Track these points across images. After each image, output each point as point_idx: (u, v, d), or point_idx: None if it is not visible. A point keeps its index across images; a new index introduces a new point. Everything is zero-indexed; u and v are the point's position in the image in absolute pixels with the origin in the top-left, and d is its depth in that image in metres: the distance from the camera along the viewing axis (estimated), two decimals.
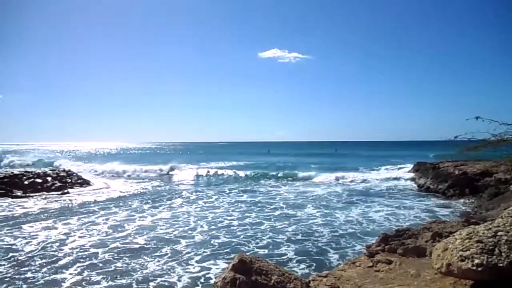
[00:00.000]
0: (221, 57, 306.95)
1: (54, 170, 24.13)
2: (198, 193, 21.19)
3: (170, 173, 32.83)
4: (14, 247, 10.27)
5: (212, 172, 32.13)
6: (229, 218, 14.29)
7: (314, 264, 8.93)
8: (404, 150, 71.22)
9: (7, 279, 7.91)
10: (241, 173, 30.87)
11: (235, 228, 12.70)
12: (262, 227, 12.77)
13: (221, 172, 32.31)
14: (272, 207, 16.73)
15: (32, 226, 12.81)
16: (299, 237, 11.44)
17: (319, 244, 10.61)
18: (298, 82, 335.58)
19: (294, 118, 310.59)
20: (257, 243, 10.90)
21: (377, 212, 15.17)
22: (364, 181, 25.93)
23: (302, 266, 8.85)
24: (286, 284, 4.01)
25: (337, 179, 26.74)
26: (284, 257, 9.54)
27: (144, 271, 8.39)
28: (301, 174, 29.44)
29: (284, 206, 16.98)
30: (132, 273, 8.29)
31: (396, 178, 26.18)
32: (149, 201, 18.41)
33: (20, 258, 9.33)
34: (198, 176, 30.90)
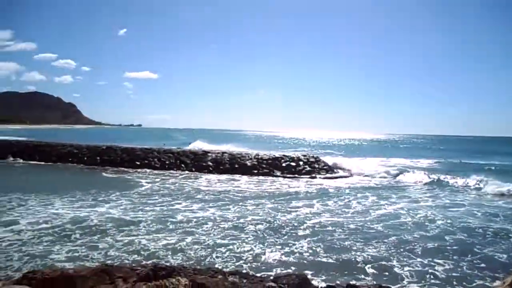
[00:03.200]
0: None
1: (306, 156, 27.12)
2: (435, 190, 20.04)
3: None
4: (282, 218, 12.50)
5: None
6: (470, 218, 13.13)
7: None
8: None
9: (262, 236, 10.02)
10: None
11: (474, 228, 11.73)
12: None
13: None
14: None
15: (297, 202, 15.31)
16: None
17: None
18: None
19: None
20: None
21: None
22: None
23: None
24: None
25: None
26: None
27: (367, 254, 8.93)
28: None
29: None
30: (356, 253, 8.97)
31: None
32: (393, 192, 18.61)
33: (278, 223, 11.63)
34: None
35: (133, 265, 5.52)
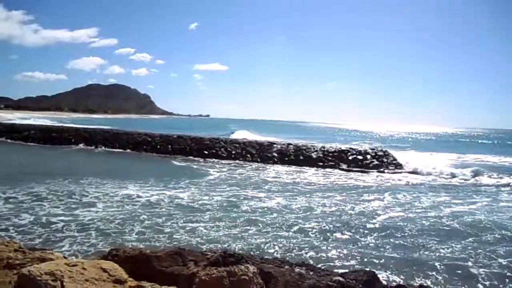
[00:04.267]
0: None
1: (374, 149, 26.08)
2: None
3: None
4: (350, 211, 12.24)
5: None
6: None
7: None
8: None
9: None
10: None
11: None
12: None
13: None
14: None
15: (367, 196, 14.99)
16: None
17: None
18: None
19: None
20: None
21: None
22: None
23: None
24: None
25: None
26: None
27: (440, 252, 8.46)
28: None
29: None
30: (427, 251, 8.55)
31: None
32: (469, 190, 17.56)
33: (346, 216, 11.36)
34: None
35: (203, 249, 5.76)
